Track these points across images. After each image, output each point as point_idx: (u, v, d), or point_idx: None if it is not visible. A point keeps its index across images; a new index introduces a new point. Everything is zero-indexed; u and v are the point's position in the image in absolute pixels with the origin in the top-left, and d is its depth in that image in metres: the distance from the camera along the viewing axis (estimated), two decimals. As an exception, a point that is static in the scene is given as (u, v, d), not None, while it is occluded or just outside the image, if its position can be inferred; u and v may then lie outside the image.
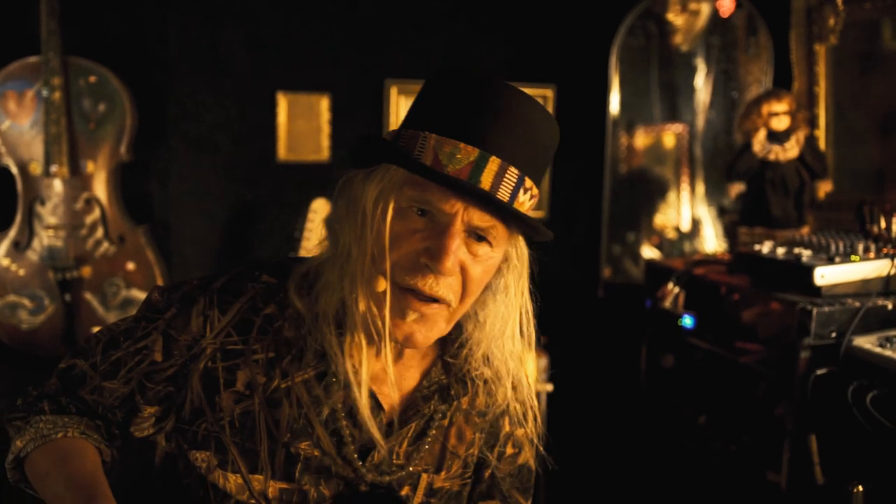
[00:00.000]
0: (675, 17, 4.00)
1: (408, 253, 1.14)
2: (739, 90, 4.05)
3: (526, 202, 1.18)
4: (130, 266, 3.51)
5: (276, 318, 1.25)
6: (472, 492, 1.43)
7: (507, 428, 1.42)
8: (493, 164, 1.11)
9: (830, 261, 2.49)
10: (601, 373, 4.20)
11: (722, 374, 2.83)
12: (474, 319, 1.29)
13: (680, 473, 3.11)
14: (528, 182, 1.16)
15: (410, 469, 1.31)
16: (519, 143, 1.13)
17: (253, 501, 1.23)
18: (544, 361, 3.81)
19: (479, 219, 1.13)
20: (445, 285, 1.15)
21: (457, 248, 1.13)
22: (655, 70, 4.14)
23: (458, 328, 1.30)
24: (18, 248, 3.41)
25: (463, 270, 1.16)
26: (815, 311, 2.37)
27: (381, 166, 1.16)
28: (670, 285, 3.02)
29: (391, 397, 1.29)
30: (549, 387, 3.80)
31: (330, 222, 1.23)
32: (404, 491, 1.31)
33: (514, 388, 1.35)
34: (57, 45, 3.27)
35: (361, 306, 1.16)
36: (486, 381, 1.34)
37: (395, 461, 1.29)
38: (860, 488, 1.02)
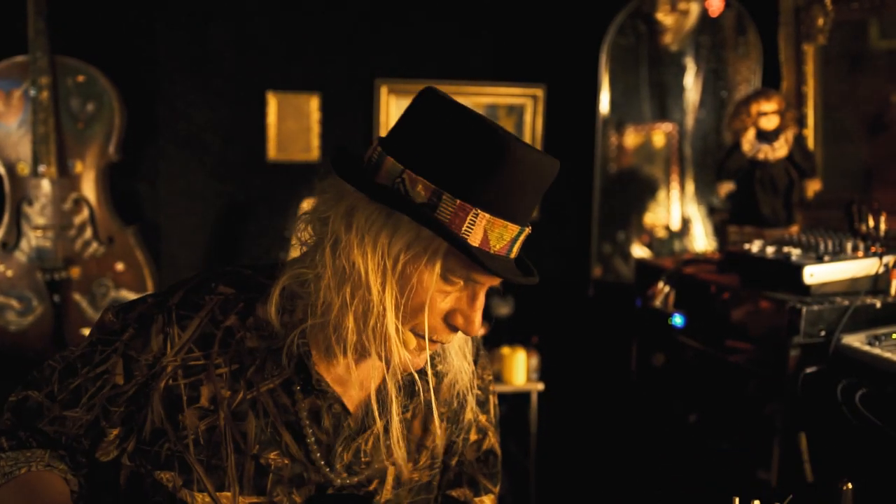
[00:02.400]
0: (665, 17, 4.01)
1: (440, 315, 1.16)
2: (729, 89, 4.06)
3: None
4: (119, 267, 3.50)
5: (237, 329, 1.24)
6: (441, 481, 1.44)
7: (469, 415, 1.43)
8: (524, 233, 1.15)
9: (819, 260, 2.50)
10: (592, 372, 4.21)
11: (712, 372, 2.84)
12: None
13: (670, 472, 3.12)
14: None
15: (377, 466, 1.31)
16: (538, 202, 1.16)
17: None
18: (535, 360, 3.81)
19: (497, 280, 1.17)
20: None
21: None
22: (645, 69, 4.15)
23: None
24: (6, 248, 3.39)
25: None
26: (804, 309, 2.37)
27: (408, 220, 1.10)
28: (660, 284, 3.02)
29: (357, 397, 1.29)
30: (540, 385, 3.81)
31: (325, 239, 1.15)
32: (372, 486, 1.31)
33: (475, 377, 1.39)
34: (45, 44, 3.25)
35: (381, 349, 1.15)
36: (444, 373, 1.35)
37: (363, 459, 1.29)
38: (850, 486, 1.03)
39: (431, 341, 1.17)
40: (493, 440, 1.49)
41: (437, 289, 1.13)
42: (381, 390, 1.29)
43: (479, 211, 1.08)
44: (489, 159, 1.07)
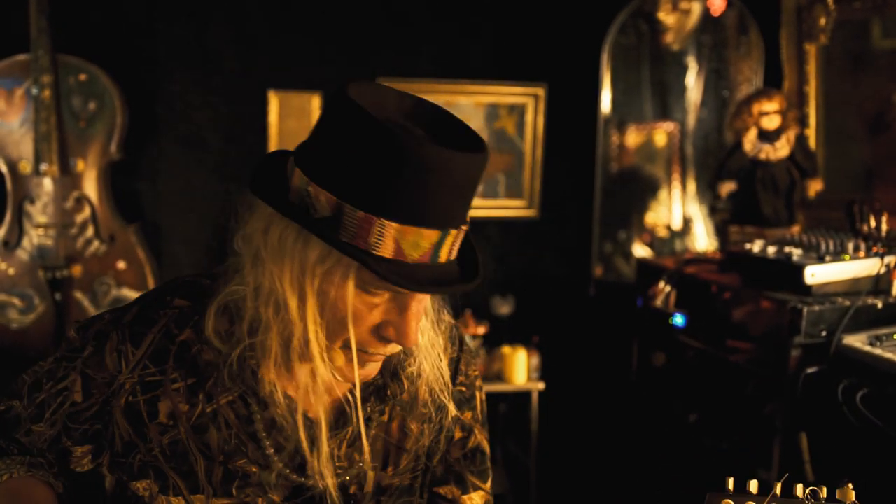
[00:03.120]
0: (667, 16, 4.01)
1: (369, 328, 1.11)
2: (730, 89, 4.06)
3: None
4: (121, 265, 3.50)
5: (192, 343, 1.21)
6: (424, 480, 1.41)
7: (452, 412, 1.38)
8: (451, 236, 1.06)
9: (821, 260, 2.50)
10: (592, 371, 4.21)
11: (713, 372, 2.84)
12: None
13: (671, 471, 3.12)
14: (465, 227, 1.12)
15: (354, 470, 1.28)
16: (468, 206, 1.08)
17: None
18: (536, 360, 3.81)
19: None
20: None
21: (420, 319, 1.12)
22: (647, 69, 4.14)
23: None
24: (8, 247, 3.39)
25: None
26: (805, 309, 2.38)
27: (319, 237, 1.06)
28: (662, 284, 3.03)
29: (324, 402, 1.25)
30: (541, 385, 3.81)
31: (248, 254, 1.13)
32: (352, 490, 1.29)
33: (453, 374, 1.36)
34: (46, 42, 3.25)
35: (306, 368, 1.15)
36: (418, 375, 1.30)
37: (337, 464, 1.26)
38: (850, 486, 1.03)
39: (367, 353, 1.13)
40: (479, 437, 1.46)
41: (362, 302, 1.08)
42: (350, 394, 1.26)
43: (384, 221, 1.00)
44: (389, 164, 0.99)
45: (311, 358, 1.10)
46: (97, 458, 1.24)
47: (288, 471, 1.24)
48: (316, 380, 1.18)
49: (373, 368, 1.19)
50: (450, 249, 1.08)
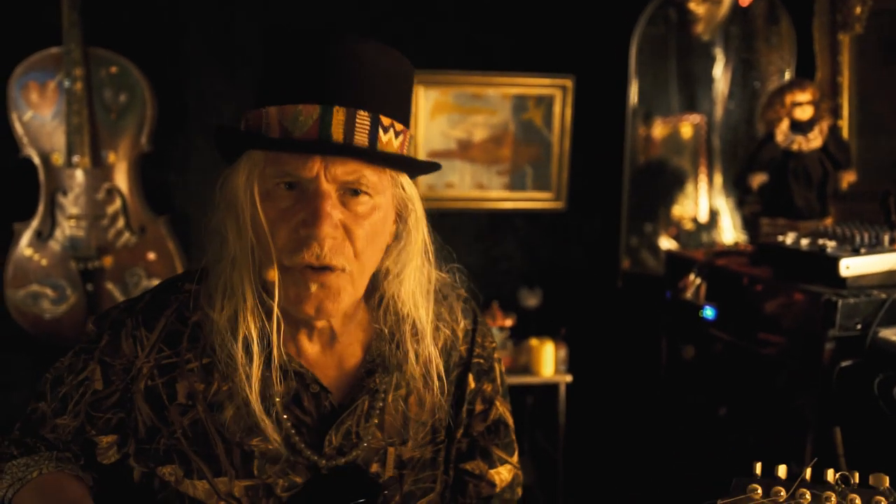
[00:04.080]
0: (697, 6, 3.97)
1: (287, 232, 1.12)
2: (761, 80, 4.02)
3: (393, 140, 1.16)
4: (151, 256, 3.53)
5: (204, 322, 1.24)
6: (448, 455, 1.41)
7: (472, 385, 1.40)
8: (339, 113, 1.09)
9: (856, 252, 2.47)
10: (620, 363, 4.20)
11: (743, 365, 2.82)
12: (392, 275, 1.28)
13: (700, 464, 3.10)
14: (386, 120, 1.13)
15: (372, 445, 1.29)
16: (361, 85, 1.11)
17: (223, 503, 1.23)
18: (563, 352, 3.81)
19: (344, 172, 1.11)
20: (332, 251, 1.12)
21: (331, 210, 1.11)
22: (674, 60, 4.11)
23: (377, 288, 1.29)
24: (41, 238, 3.43)
25: (347, 230, 1.14)
26: (840, 302, 2.35)
27: (243, 155, 1.15)
28: (692, 276, 3.01)
29: (335, 378, 1.29)
30: (569, 377, 3.80)
31: (216, 226, 1.20)
32: (373, 468, 1.30)
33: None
34: (78, 36, 3.28)
35: (250, 299, 1.17)
36: (421, 345, 1.30)
37: (353, 440, 1.28)
38: (886, 480, 1.03)
39: (292, 266, 1.13)
40: (500, 409, 1.46)
41: (271, 207, 1.12)
42: (360, 369, 1.30)
43: (266, 109, 1.10)
44: (268, 59, 1.12)
45: (264, 283, 1.17)
46: (123, 448, 1.26)
47: (303, 445, 1.24)
48: (325, 355, 1.26)
49: (322, 298, 1.16)
50: (346, 128, 1.10)
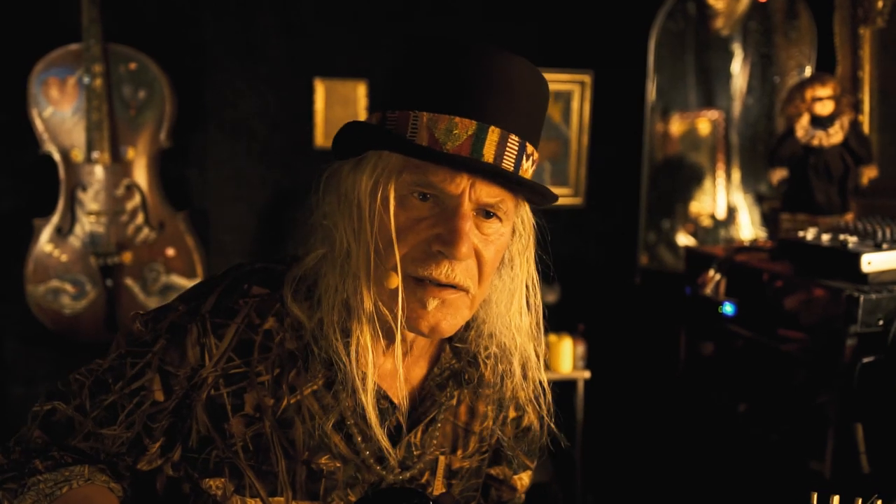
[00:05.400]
0: (717, 1, 3.94)
1: (417, 243, 1.08)
2: (781, 75, 3.99)
3: (529, 169, 1.14)
4: (170, 252, 3.54)
5: (276, 332, 1.19)
6: (488, 462, 1.42)
7: (509, 392, 1.38)
8: (494, 134, 1.06)
9: (877, 247, 2.46)
10: (639, 360, 4.19)
11: (763, 361, 2.80)
12: (492, 302, 1.25)
13: (719, 461, 3.09)
14: (530, 147, 1.12)
15: (428, 457, 1.28)
16: (515, 109, 1.08)
17: None
18: (581, 348, 3.80)
19: (487, 194, 1.08)
20: (462, 271, 1.10)
21: (469, 230, 1.08)
22: (692, 55, 4.09)
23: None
24: (61, 233, 3.45)
25: (477, 253, 1.12)
26: (862, 298, 2.33)
27: (369, 154, 1.10)
28: (711, 272, 2.99)
29: (403, 392, 1.25)
30: (587, 373, 3.79)
31: (319, 219, 1.17)
32: (424, 478, 1.28)
33: (523, 365, 1.29)
34: (98, 32, 3.30)
35: (368, 305, 1.11)
36: (493, 358, 1.30)
37: (415, 452, 1.26)
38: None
39: (417, 279, 1.10)
40: (532, 418, 1.46)
41: (407, 216, 1.08)
42: (426, 382, 1.28)
43: (416, 112, 1.05)
44: (421, 64, 1.06)
45: (377, 288, 1.10)
46: (166, 453, 1.21)
47: (372, 460, 1.21)
48: (396, 369, 1.19)
49: (440, 317, 1.13)
50: (497, 150, 1.07)
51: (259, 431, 1.18)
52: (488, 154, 1.06)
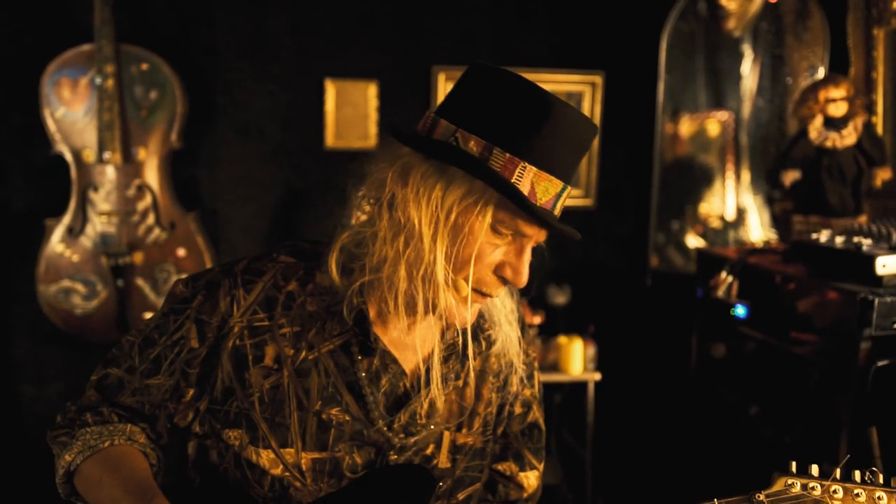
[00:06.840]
0: (729, 2, 3.93)
1: (488, 265, 1.22)
2: (793, 76, 3.97)
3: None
4: (181, 252, 3.55)
5: (297, 294, 1.32)
6: (493, 449, 1.51)
7: (514, 387, 1.50)
8: (567, 191, 1.21)
9: (892, 250, 2.44)
10: (650, 362, 4.18)
11: (775, 364, 2.79)
12: None
13: (731, 463, 3.08)
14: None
15: (432, 427, 1.37)
16: (579, 163, 1.23)
17: (287, 474, 1.28)
18: (592, 350, 3.79)
19: (543, 236, 1.23)
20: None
21: None
22: (702, 56, 4.08)
23: None
24: (72, 233, 3.46)
25: None
26: (876, 301, 2.32)
27: (466, 176, 1.17)
28: (723, 274, 2.98)
29: (412, 361, 1.36)
30: (597, 375, 3.78)
31: (382, 197, 1.23)
32: (429, 450, 1.37)
33: (521, 347, 1.48)
34: (110, 33, 3.30)
35: (429, 296, 1.22)
36: (493, 340, 1.45)
37: (419, 421, 1.35)
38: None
39: (480, 293, 1.24)
40: (537, 413, 1.56)
41: (487, 240, 1.20)
42: (433, 355, 1.37)
43: (526, 164, 1.15)
44: (535, 116, 1.14)
45: (436, 285, 1.21)
46: (196, 403, 1.32)
47: (381, 421, 1.31)
48: (406, 338, 1.34)
49: (470, 314, 1.27)
50: (562, 204, 1.22)
51: (277, 383, 1.28)
52: (558, 207, 1.22)
